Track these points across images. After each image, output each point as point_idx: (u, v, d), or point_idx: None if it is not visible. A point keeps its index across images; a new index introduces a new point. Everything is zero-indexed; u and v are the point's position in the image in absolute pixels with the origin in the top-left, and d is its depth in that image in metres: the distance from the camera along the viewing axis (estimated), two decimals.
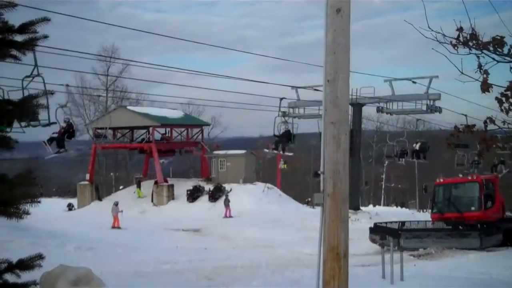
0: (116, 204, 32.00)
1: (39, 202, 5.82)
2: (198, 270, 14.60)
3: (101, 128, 43.90)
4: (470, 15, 6.24)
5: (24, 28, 5.40)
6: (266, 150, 46.97)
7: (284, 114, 26.76)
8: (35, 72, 18.79)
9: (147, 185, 44.63)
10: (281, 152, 32.24)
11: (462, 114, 24.04)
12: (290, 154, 42.59)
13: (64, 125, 21.28)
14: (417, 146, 34.66)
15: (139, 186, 44.37)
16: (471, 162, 36.21)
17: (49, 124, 19.71)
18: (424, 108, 33.10)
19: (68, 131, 21.46)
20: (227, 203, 35.71)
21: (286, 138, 27.83)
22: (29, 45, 5.46)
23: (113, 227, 30.31)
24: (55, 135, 21.45)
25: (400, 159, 36.03)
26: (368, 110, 48.31)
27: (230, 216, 34.86)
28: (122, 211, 31.34)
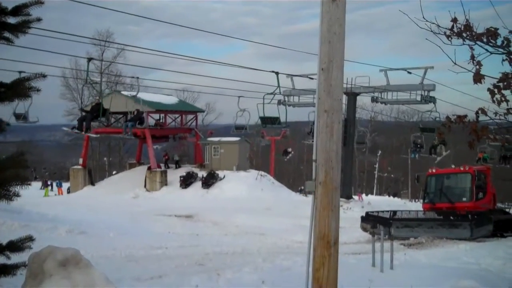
0: None
1: (29, 184, 5.84)
2: (189, 256, 14.65)
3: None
4: (469, 7, 6.24)
5: (17, 10, 5.36)
6: (66, 129, 36.97)
7: (93, 82, 18.49)
8: (277, 91, 23.45)
9: (140, 171, 44.56)
10: (83, 133, 24.96)
11: (455, 105, 24.17)
12: (95, 135, 30.61)
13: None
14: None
15: (47, 186, 44.29)
16: (412, 146, 36.22)
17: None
18: (419, 98, 33.09)
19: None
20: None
21: (96, 114, 21.42)
22: (22, 27, 5.43)
23: None
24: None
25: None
26: (363, 100, 48.30)
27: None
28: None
